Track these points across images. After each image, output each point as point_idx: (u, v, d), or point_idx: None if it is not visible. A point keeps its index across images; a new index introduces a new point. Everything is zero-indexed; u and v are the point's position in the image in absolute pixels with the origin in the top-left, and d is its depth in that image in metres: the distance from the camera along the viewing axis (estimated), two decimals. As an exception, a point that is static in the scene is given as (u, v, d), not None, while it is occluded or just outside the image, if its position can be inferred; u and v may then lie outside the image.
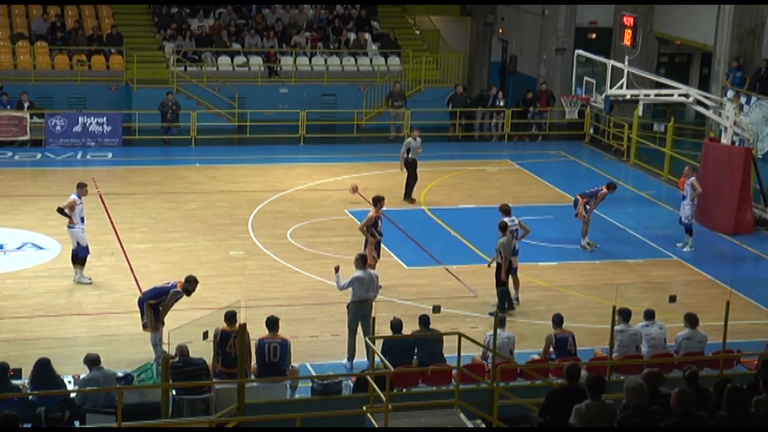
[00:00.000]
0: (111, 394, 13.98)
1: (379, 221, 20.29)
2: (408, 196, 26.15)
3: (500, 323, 15.53)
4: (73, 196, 20.26)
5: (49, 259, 21.49)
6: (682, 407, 10.02)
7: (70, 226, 20.19)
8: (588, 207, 23.12)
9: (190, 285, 16.75)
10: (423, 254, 22.64)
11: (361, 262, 17.41)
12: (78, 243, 20.25)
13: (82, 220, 20.34)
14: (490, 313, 17.90)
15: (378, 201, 20.38)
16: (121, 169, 28.93)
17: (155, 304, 16.72)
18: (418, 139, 26.25)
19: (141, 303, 16.97)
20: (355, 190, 24.99)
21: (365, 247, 20.08)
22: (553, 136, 33.95)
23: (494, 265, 19.72)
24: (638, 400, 10.28)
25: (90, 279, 20.34)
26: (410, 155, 25.99)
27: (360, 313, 17.02)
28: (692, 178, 23.57)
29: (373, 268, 19.79)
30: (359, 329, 17.00)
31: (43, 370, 14.14)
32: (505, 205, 20.41)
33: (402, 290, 20.36)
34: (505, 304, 19.22)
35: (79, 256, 20.32)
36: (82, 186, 20.57)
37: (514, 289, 20.02)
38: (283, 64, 35.15)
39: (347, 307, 17.22)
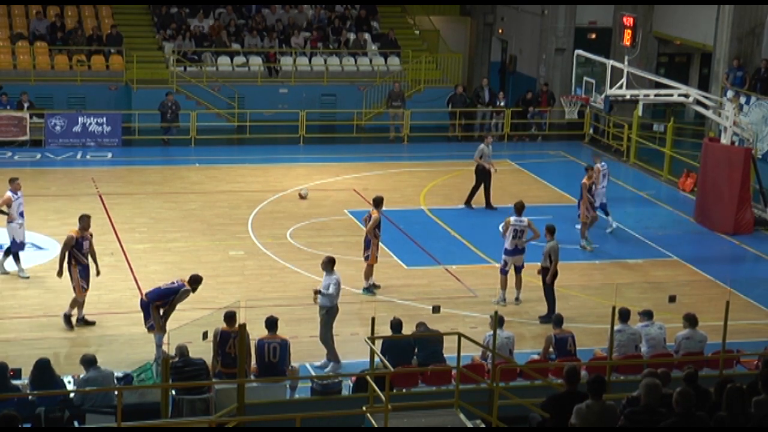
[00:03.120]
0: (110, 394, 13.98)
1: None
2: (468, 203, 25.89)
3: (499, 323, 15.53)
4: (8, 193, 20.32)
5: (49, 259, 21.45)
6: (683, 407, 10.02)
7: (9, 221, 20.25)
8: (589, 204, 23.13)
9: (196, 285, 16.79)
10: (423, 254, 22.63)
11: (331, 264, 17.04)
12: (13, 238, 20.30)
13: (21, 215, 20.36)
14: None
15: (379, 202, 20.38)
16: (120, 169, 28.93)
17: (162, 305, 16.72)
18: (491, 146, 26.06)
19: (146, 305, 16.91)
20: (304, 196, 25.80)
21: (368, 248, 20.08)
22: (553, 136, 33.95)
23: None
24: (651, 399, 10.27)
25: (28, 275, 20.46)
26: (483, 161, 25.68)
27: (334, 318, 16.92)
28: (597, 164, 24.14)
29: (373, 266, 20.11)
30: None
31: (43, 371, 14.13)
32: (519, 202, 20.39)
33: (402, 290, 20.36)
34: (554, 306, 19.04)
35: (11, 251, 20.42)
36: (14, 180, 20.54)
37: (516, 289, 20.02)
38: (283, 64, 35.15)
39: (326, 312, 16.82)
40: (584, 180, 23.30)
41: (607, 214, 24.36)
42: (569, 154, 31.94)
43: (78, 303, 18.19)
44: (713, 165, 25.46)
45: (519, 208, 20.11)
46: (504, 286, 19.93)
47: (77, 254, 18.18)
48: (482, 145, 25.90)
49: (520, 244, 19.84)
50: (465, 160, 30.61)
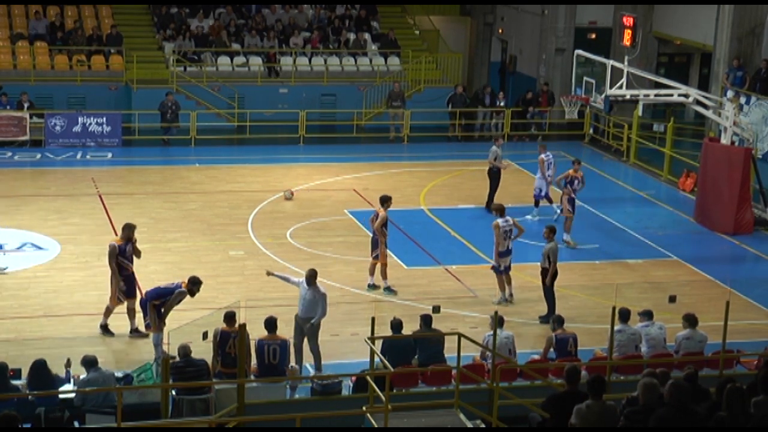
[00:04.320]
0: (110, 394, 13.99)
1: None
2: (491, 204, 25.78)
3: (499, 323, 15.53)
4: None
5: (49, 259, 21.49)
6: (676, 399, 10.06)
7: None
8: (571, 197, 23.21)
9: (194, 287, 16.77)
10: (423, 254, 22.63)
11: (314, 278, 16.74)
12: None
13: None
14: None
15: (386, 200, 20.40)
16: (120, 169, 28.92)
17: (159, 305, 16.74)
18: (501, 147, 25.91)
19: (144, 303, 16.98)
20: (288, 197, 25.70)
21: (376, 246, 20.13)
22: (553, 136, 33.91)
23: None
24: (649, 399, 10.29)
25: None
26: (497, 163, 25.58)
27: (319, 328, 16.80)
28: (542, 155, 24.94)
29: (378, 265, 20.21)
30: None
31: (40, 371, 14.13)
32: (499, 204, 20.47)
33: (402, 290, 20.36)
34: (554, 306, 19.06)
35: None
36: None
37: (507, 286, 20.06)
38: (283, 64, 35.15)
39: (316, 324, 16.67)
40: (570, 171, 23.46)
41: (551, 201, 25.19)
42: (569, 154, 31.83)
43: (109, 311, 17.93)
44: (713, 165, 25.45)
45: (501, 210, 20.18)
46: (502, 287, 19.95)
47: (121, 260, 17.92)
48: (494, 147, 25.79)
49: (510, 244, 19.90)
50: (465, 160, 30.70)
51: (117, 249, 17.91)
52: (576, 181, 23.46)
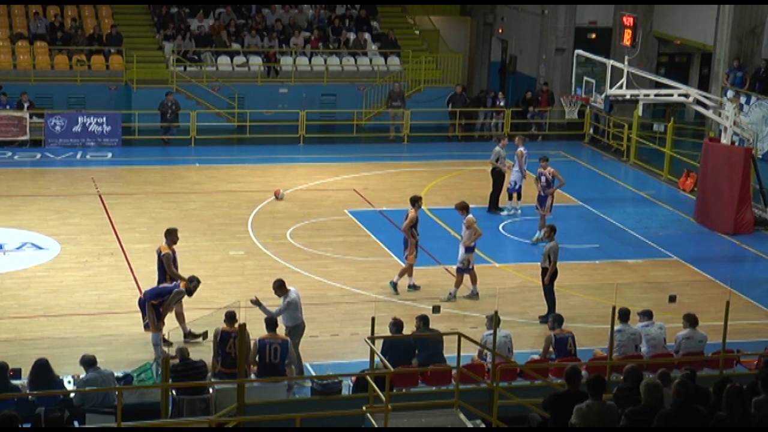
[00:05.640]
0: (110, 394, 13.98)
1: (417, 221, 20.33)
2: (495, 206, 25.59)
3: (498, 323, 15.53)
4: None
5: (48, 259, 21.48)
6: (682, 396, 10.07)
7: None
8: (539, 194, 23.47)
9: (192, 285, 16.77)
10: (423, 254, 22.59)
11: (283, 287, 16.46)
12: None
13: None
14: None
15: (416, 201, 20.42)
16: (120, 169, 28.92)
17: (157, 304, 16.73)
18: (505, 148, 25.79)
19: (142, 303, 16.97)
20: (280, 198, 25.70)
21: (405, 248, 20.15)
22: (553, 136, 33.94)
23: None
24: (651, 399, 10.30)
25: None
26: (499, 164, 25.54)
27: (299, 337, 16.51)
28: (520, 148, 25.17)
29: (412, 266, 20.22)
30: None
31: (42, 371, 14.13)
32: (463, 202, 20.55)
33: (402, 290, 20.34)
34: (554, 306, 19.05)
35: None
36: None
37: (472, 284, 20.16)
38: (283, 64, 35.14)
39: (289, 333, 16.23)
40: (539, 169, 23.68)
41: (510, 197, 25.41)
42: (569, 154, 31.93)
43: (181, 317, 17.67)
44: (713, 165, 25.44)
45: (467, 207, 20.42)
46: (462, 283, 20.03)
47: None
48: (497, 148, 25.71)
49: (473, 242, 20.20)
50: (465, 160, 30.69)
51: (172, 256, 17.77)
52: (543, 178, 23.46)
